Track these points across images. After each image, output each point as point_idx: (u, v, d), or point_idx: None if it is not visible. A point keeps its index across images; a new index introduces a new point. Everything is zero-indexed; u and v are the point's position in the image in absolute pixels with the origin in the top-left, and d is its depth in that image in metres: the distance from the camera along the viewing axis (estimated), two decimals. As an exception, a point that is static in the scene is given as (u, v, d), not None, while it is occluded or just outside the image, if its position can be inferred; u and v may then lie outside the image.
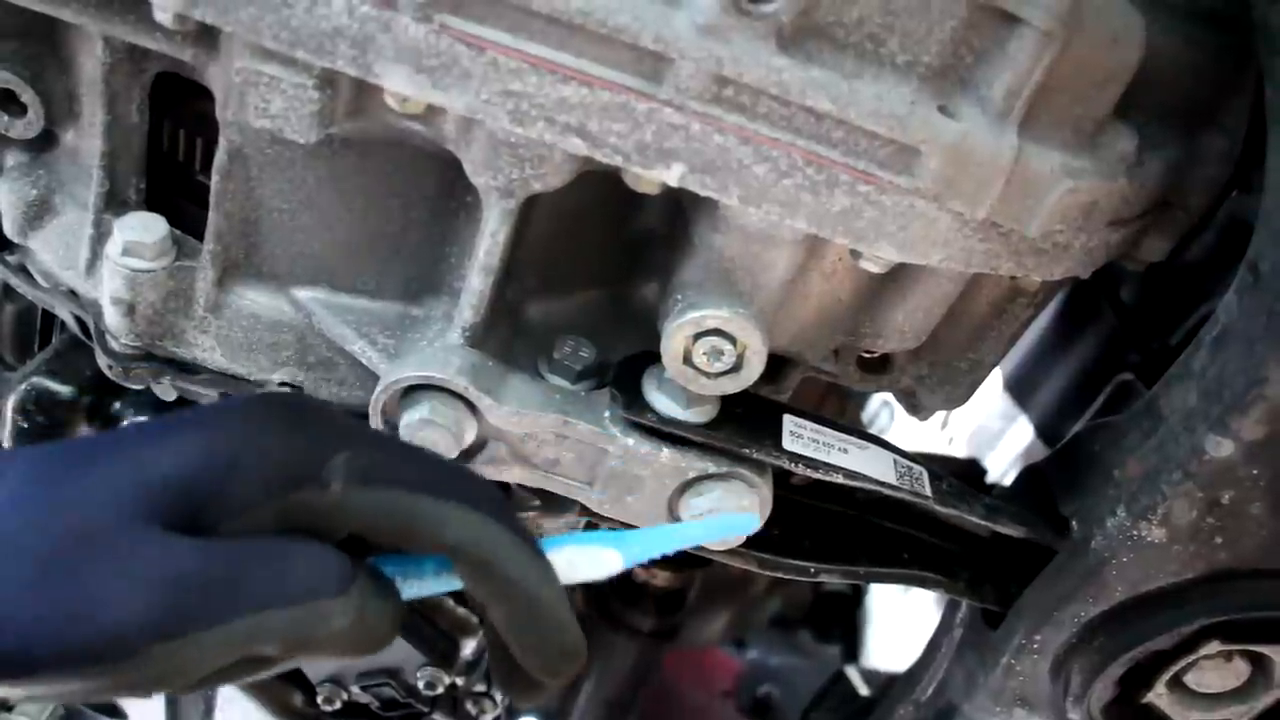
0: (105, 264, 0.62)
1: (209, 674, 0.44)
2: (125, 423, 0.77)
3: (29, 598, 0.41)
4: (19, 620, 0.41)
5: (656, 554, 0.53)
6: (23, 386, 0.77)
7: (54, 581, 0.41)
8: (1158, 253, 0.68)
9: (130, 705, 1.05)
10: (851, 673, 1.19)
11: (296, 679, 0.93)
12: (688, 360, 0.59)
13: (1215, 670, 0.69)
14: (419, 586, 0.49)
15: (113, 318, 0.64)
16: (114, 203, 0.64)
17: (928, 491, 0.66)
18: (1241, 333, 0.58)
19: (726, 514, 0.60)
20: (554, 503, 0.68)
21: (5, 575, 0.41)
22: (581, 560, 0.51)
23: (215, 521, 0.44)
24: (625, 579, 1.30)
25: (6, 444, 0.78)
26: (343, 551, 0.46)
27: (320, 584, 0.44)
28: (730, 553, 0.68)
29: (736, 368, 0.59)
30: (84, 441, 0.48)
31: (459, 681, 0.92)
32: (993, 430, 1.15)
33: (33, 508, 0.43)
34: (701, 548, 0.66)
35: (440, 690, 0.90)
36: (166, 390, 0.69)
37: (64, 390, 0.77)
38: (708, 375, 0.59)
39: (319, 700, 0.93)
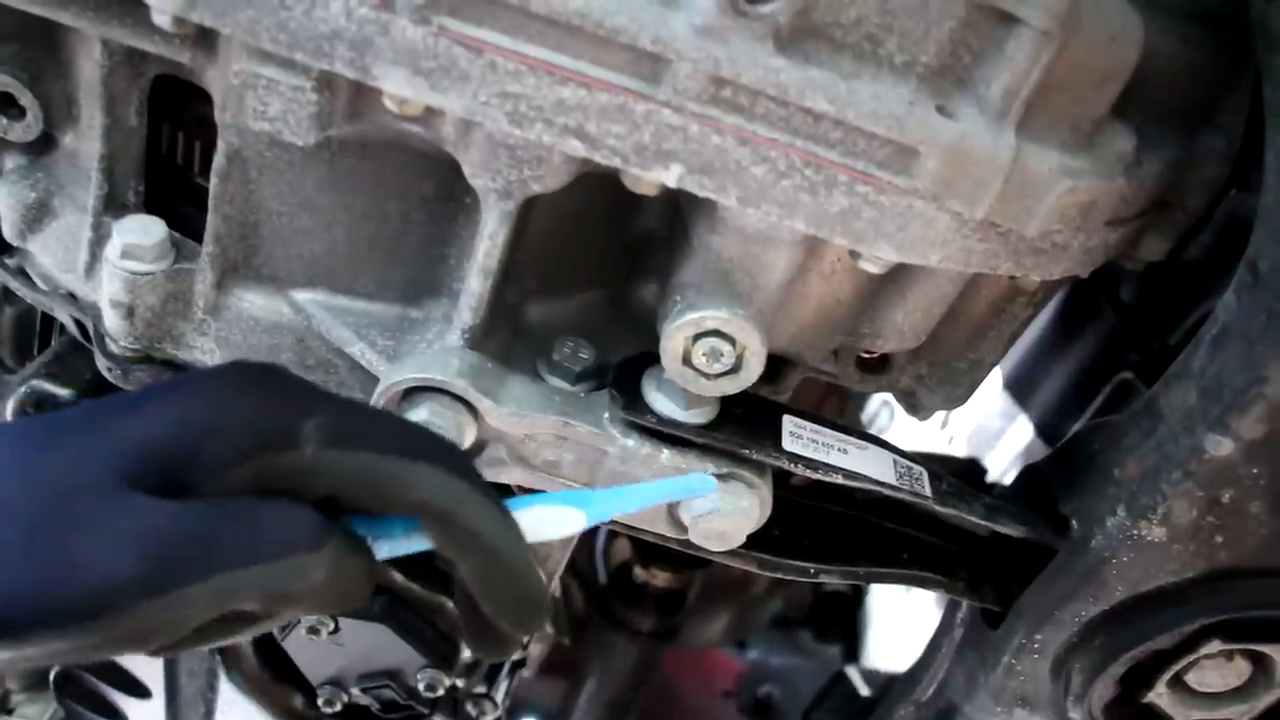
0: (104, 267, 0.62)
1: (192, 631, 0.45)
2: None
3: (13, 562, 0.42)
4: (4, 584, 0.41)
5: (619, 512, 0.55)
6: (22, 389, 0.77)
7: (37, 545, 0.42)
8: (1157, 252, 0.67)
9: (130, 706, 1.05)
10: (852, 673, 1.20)
11: (297, 681, 0.93)
12: (687, 361, 0.59)
13: (1216, 669, 0.69)
14: (390, 547, 0.51)
15: (112, 320, 0.64)
16: (113, 205, 0.64)
17: (927, 491, 0.66)
18: (1241, 332, 0.58)
19: (690, 475, 0.60)
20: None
21: None
22: (548, 518, 0.52)
23: (192, 484, 0.45)
24: (625, 580, 1.31)
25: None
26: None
27: (296, 540, 0.45)
28: (730, 553, 0.68)
29: (736, 368, 0.59)
30: (61, 414, 0.49)
31: (459, 683, 0.92)
32: (993, 429, 1.15)
33: (12, 476, 0.44)
34: (700, 548, 0.66)
35: (440, 692, 0.90)
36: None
37: (64, 393, 0.77)
38: (707, 376, 0.59)
39: (319, 702, 0.93)
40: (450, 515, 0.49)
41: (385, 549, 0.51)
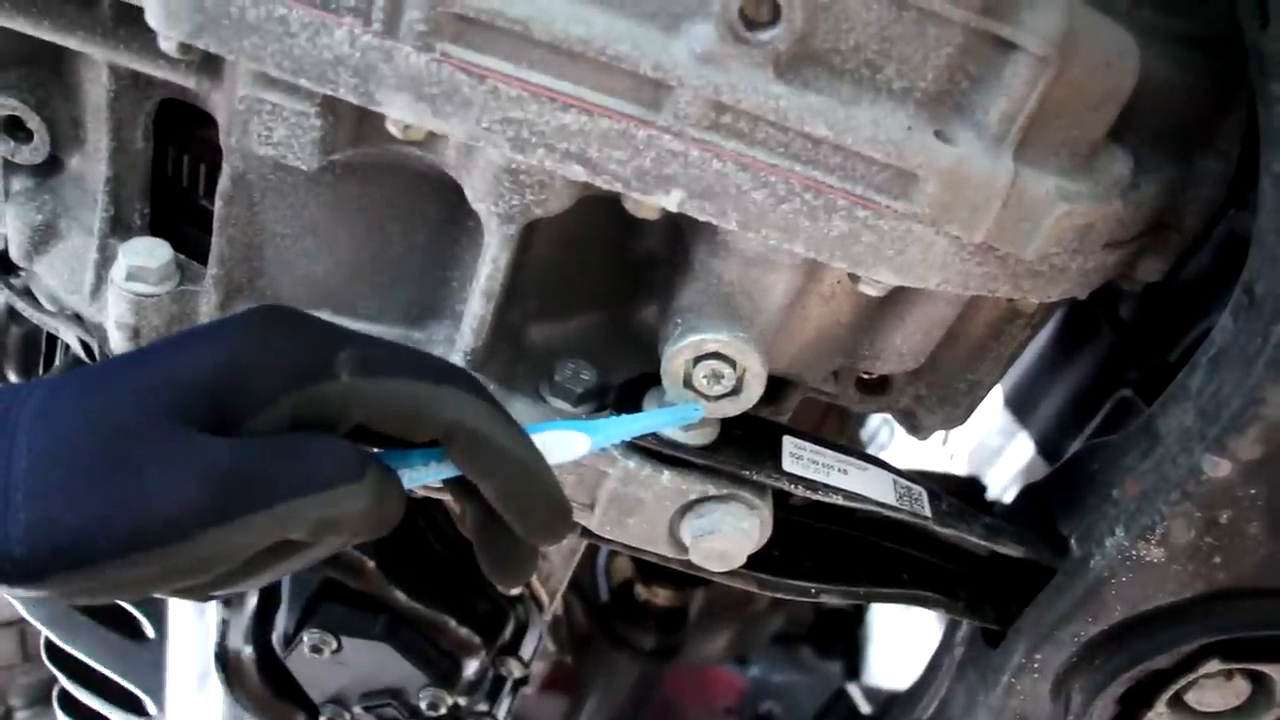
0: (110, 288, 0.62)
1: (250, 559, 0.48)
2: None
3: (82, 496, 0.44)
4: (74, 517, 0.44)
5: (619, 439, 0.58)
6: (27, 409, 0.77)
7: (103, 480, 0.45)
8: (1155, 273, 0.68)
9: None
10: (853, 690, 1.20)
11: (300, 699, 0.93)
12: (688, 383, 0.59)
13: (1216, 689, 0.69)
14: (412, 476, 0.53)
15: (117, 341, 0.64)
16: (118, 227, 0.65)
17: (927, 512, 0.66)
18: (1237, 354, 0.58)
19: (681, 405, 0.61)
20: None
21: (51, 481, 0.44)
22: (554, 443, 0.55)
23: (240, 418, 0.48)
24: (627, 598, 1.31)
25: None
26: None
27: (342, 472, 0.48)
28: (731, 574, 0.68)
29: (736, 390, 0.59)
30: (108, 360, 0.52)
31: (461, 702, 0.92)
32: (993, 447, 1.15)
33: (69, 417, 0.46)
34: (701, 569, 0.66)
35: (443, 710, 0.91)
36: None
37: (68, 412, 0.78)
38: (708, 398, 0.59)
39: (322, 720, 0.93)
40: (476, 434, 0.52)
41: (409, 478, 0.53)
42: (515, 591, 0.91)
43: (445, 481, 0.55)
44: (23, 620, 1.54)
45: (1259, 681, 0.69)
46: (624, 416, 0.59)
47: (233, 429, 0.48)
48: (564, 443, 0.56)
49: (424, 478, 0.54)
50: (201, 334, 0.51)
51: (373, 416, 0.51)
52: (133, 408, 0.47)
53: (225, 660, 0.92)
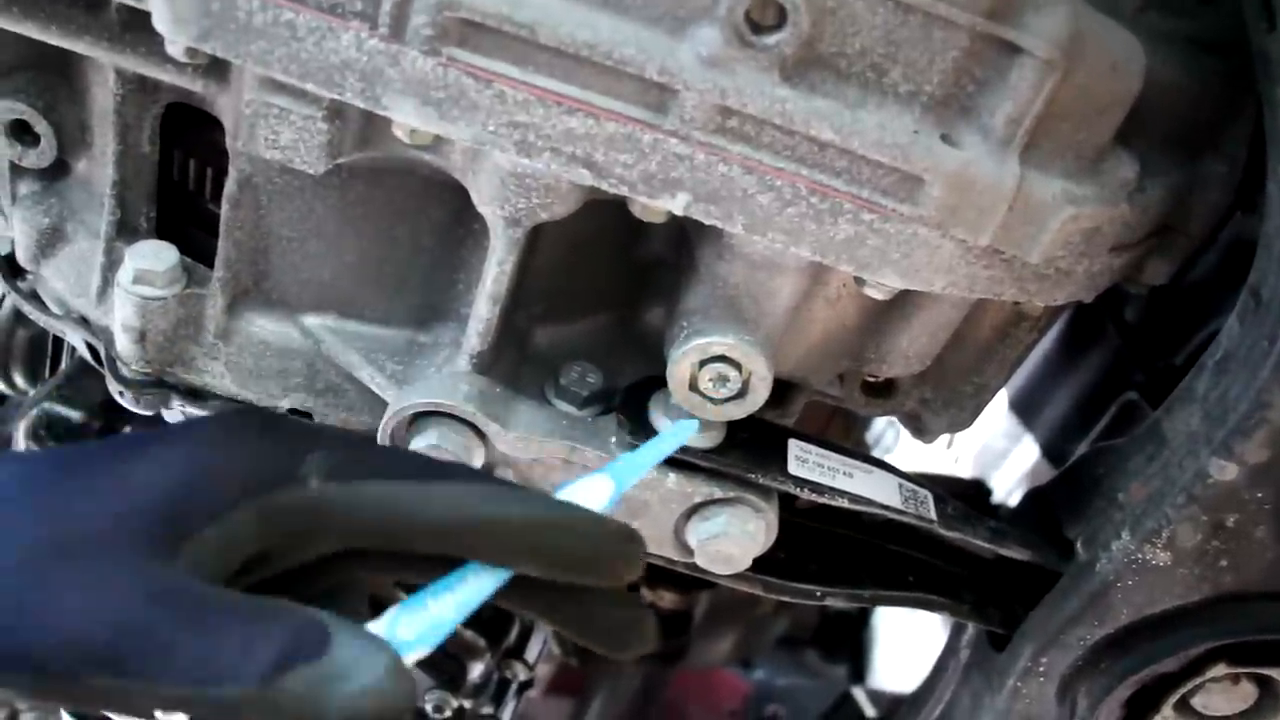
0: (116, 291, 0.62)
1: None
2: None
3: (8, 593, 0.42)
4: None
5: (638, 477, 0.52)
6: (34, 411, 0.78)
7: (17, 588, 0.42)
8: (1161, 276, 0.68)
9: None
10: (858, 694, 1.20)
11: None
12: (694, 386, 0.59)
13: (1222, 693, 0.69)
14: (438, 611, 0.45)
15: (124, 344, 0.64)
16: (125, 231, 0.65)
17: (933, 515, 0.66)
18: (1244, 357, 0.58)
19: (680, 420, 0.59)
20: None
21: None
22: (578, 496, 0.50)
23: (190, 530, 0.43)
24: (632, 600, 1.30)
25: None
26: (317, 612, 0.42)
27: (248, 665, 0.40)
28: (736, 577, 0.68)
29: (742, 394, 0.59)
30: (71, 450, 0.48)
31: (466, 704, 0.93)
32: (998, 450, 1.15)
33: (16, 509, 0.44)
34: (707, 572, 0.66)
35: (448, 713, 0.91)
36: (176, 416, 0.70)
37: (75, 415, 0.78)
38: (713, 401, 0.59)
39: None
40: (487, 522, 0.45)
41: (448, 609, 0.45)
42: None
43: (499, 598, 0.46)
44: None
45: (1265, 685, 0.69)
46: (633, 454, 0.54)
47: (188, 539, 0.43)
48: (587, 492, 0.50)
49: (450, 616, 0.44)
50: (166, 437, 0.47)
51: (353, 529, 0.45)
52: (78, 517, 0.43)
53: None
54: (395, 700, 0.40)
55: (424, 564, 0.46)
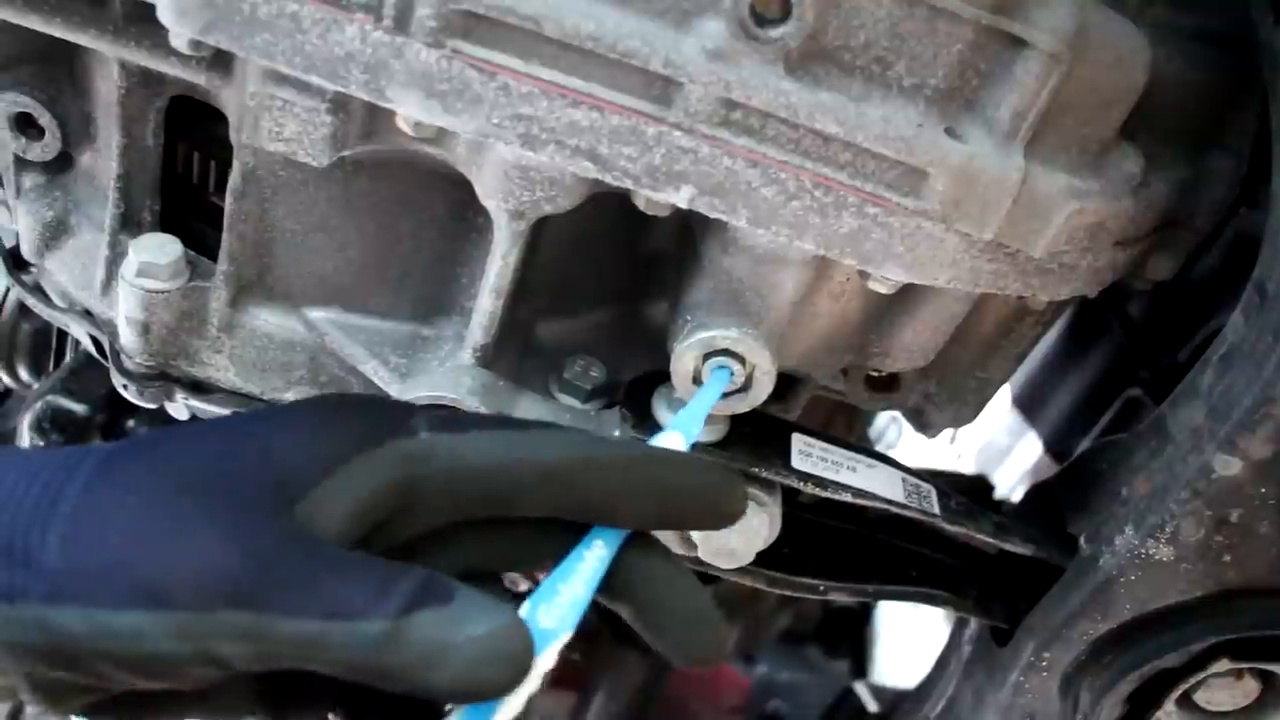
0: (120, 284, 0.62)
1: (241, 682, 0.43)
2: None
3: (119, 539, 0.41)
4: (106, 553, 0.41)
5: (700, 427, 0.54)
6: (38, 404, 0.78)
7: (157, 516, 0.41)
8: (1165, 271, 0.68)
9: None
10: (860, 689, 1.20)
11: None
12: (697, 380, 0.59)
13: (1225, 688, 0.69)
14: (580, 583, 0.45)
15: (128, 337, 0.64)
16: (129, 224, 0.65)
17: (936, 509, 0.66)
18: (1249, 352, 0.58)
19: (715, 370, 0.59)
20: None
21: (93, 520, 0.41)
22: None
23: (311, 482, 0.43)
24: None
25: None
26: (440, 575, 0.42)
27: (373, 608, 0.40)
28: (739, 571, 0.68)
29: (745, 387, 0.59)
30: (180, 426, 0.49)
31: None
32: (1001, 446, 1.15)
33: (141, 462, 0.44)
34: (710, 566, 0.66)
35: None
36: (180, 409, 0.70)
37: (79, 408, 0.78)
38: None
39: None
40: (597, 460, 0.45)
41: (576, 593, 0.44)
42: (524, 588, 0.90)
43: (601, 593, 0.46)
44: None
45: (1268, 681, 0.69)
46: (686, 409, 0.55)
47: (301, 502, 0.43)
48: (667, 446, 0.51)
49: (583, 594, 0.44)
50: (270, 411, 0.48)
51: (467, 479, 0.45)
52: (202, 469, 0.43)
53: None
54: (517, 648, 0.40)
55: (537, 539, 0.47)
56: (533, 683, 0.41)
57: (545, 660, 0.42)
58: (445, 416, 0.47)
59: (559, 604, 0.44)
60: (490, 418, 0.50)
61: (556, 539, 0.46)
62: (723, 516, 0.48)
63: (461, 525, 0.47)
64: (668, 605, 0.46)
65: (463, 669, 0.39)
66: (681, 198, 0.53)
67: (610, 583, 0.46)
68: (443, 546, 0.47)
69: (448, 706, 0.42)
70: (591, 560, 0.46)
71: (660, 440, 0.52)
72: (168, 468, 0.43)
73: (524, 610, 0.43)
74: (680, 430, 0.52)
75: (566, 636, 0.43)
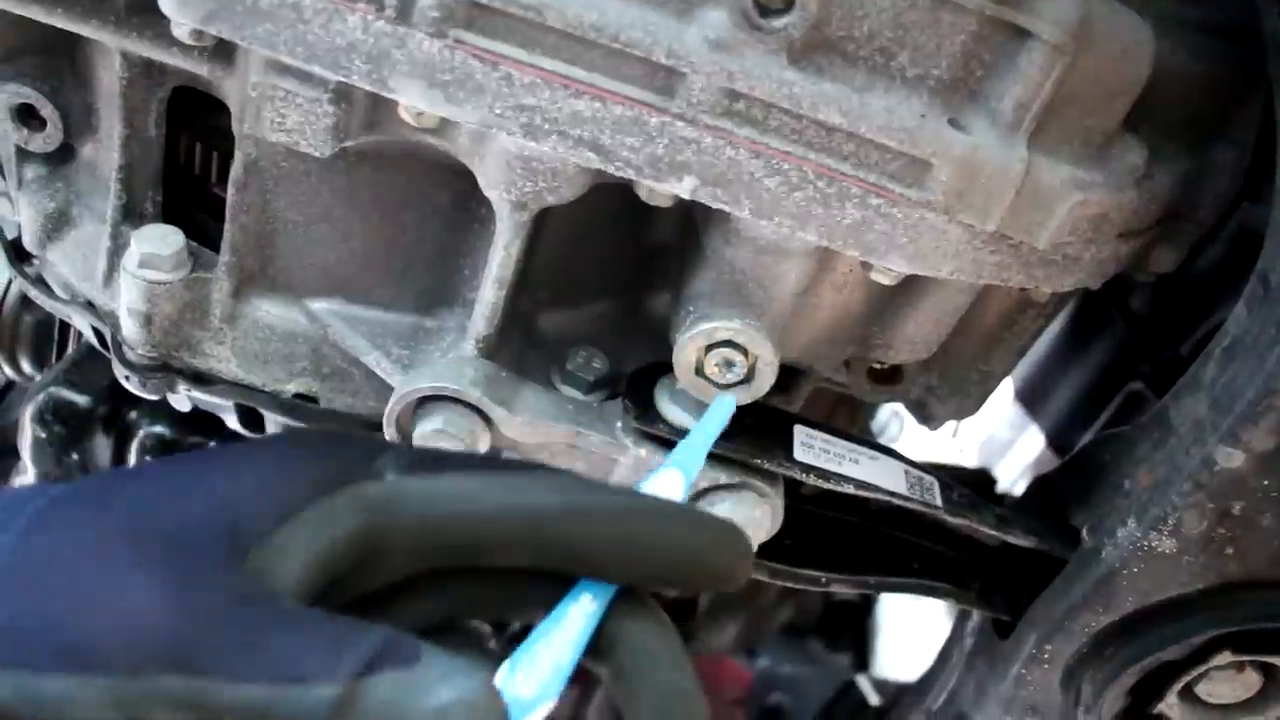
0: (122, 276, 0.62)
1: None
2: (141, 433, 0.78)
3: (46, 594, 0.38)
4: (33, 608, 0.38)
5: (700, 463, 0.50)
6: (40, 396, 0.78)
7: (94, 570, 0.38)
8: (1168, 263, 0.68)
9: None
10: (862, 681, 1.19)
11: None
12: (700, 371, 0.59)
13: (1227, 681, 0.69)
14: (564, 644, 0.40)
15: (130, 329, 0.64)
16: (131, 215, 0.65)
17: (938, 502, 0.66)
18: (1251, 344, 0.58)
19: (718, 398, 0.56)
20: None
21: (28, 572, 0.39)
22: (659, 491, 0.47)
23: (264, 531, 0.40)
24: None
25: (24, 453, 0.79)
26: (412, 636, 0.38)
27: (327, 670, 0.36)
28: (741, 563, 0.68)
29: (748, 379, 0.59)
30: (143, 464, 0.46)
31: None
32: (1003, 439, 1.15)
33: (88, 509, 0.41)
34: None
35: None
36: (182, 400, 0.70)
37: (81, 400, 0.78)
38: (720, 386, 0.59)
39: None
40: (579, 510, 0.41)
41: (560, 656, 0.40)
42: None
43: (587, 657, 0.42)
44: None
45: (1270, 674, 0.69)
46: (686, 441, 0.51)
47: (253, 551, 0.39)
48: (658, 487, 0.47)
49: (567, 658, 0.40)
50: (231, 450, 0.45)
51: (435, 527, 0.41)
52: (151, 516, 0.40)
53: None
54: (486, 716, 0.37)
55: (518, 588, 0.43)
56: None
57: None
58: (416, 456, 0.43)
59: (540, 668, 0.39)
60: (469, 457, 0.47)
61: (539, 589, 0.43)
62: (722, 579, 0.43)
63: (434, 573, 0.43)
64: (647, 678, 0.42)
65: None
66: (684, 188, 0.53)
67: (590, 639, 0.41)
68: (412, 597, 0.44)
69: None
70: (577, 618, 0.41)
71: (659, 479, 0.47)
72: (111, 515, 0.40)
73: (500, 676, 0.38)
74: (679, 468, 0.48)
75: (548, 707, 0.38)
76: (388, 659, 0.37)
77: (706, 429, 0.52)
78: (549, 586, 0.42)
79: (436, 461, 0.43)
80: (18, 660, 0.37)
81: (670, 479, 0.47)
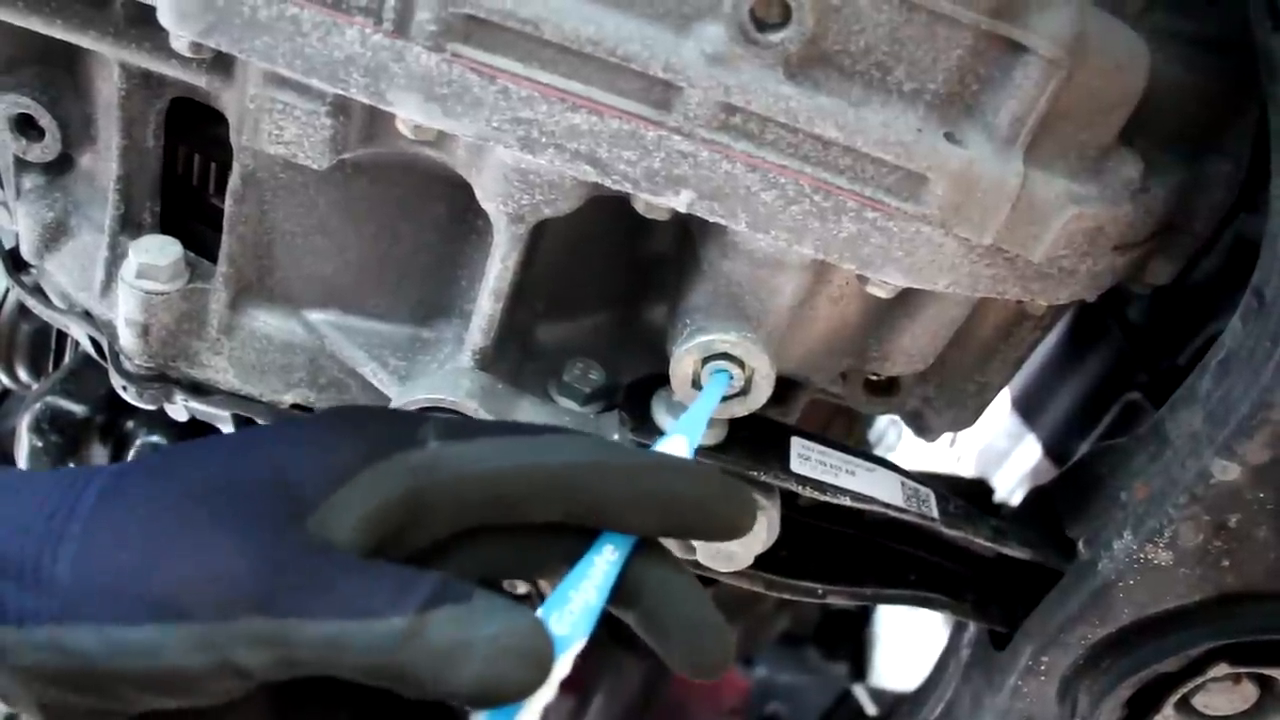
0: (120, 286, 0.62)
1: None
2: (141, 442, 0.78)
3: (129, 550, 0.41)
4: (123, 560, 0.41)
5: (702, 430, 0.54)
6: (37, 405, 0.78)
7: (172, 526, 0.42)
8: (1164, 276, 0.68)
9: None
10: (859, 691, 1.20)
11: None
12: (696, 384, 0.59)
13: (1223, 693, 0.69)
14: (592, 589, 0.45)
15: (127, 339, 0.64)
16: (129, 225, 0.65)
17: (935, 513, 0.66)
18: (1247, 357, 0.58)
19: (715, 374, 0.59)
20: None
21: (106, 533, 0.42)
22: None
23: (321, 496, 0.43)
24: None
25: (21, 463, 0.79)
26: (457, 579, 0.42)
27: (394, 606, 0.40)
28: (738, 574, 0.68)
29: (744, 391, 0.59)
30: (181, 446, 0.49)
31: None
32: (1000, 449, 1.15)
33: (136, 489, 0.44)
34: (708, 569, 0.66)
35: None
36: (179, 411, 0.70)
37: (78, 409, 0.78)
38: (716, 398, 0.59)
39: None
40: (604, 466, 0.46)
41: (588, 599, 0.44)
42: (522, 590, 0.90)
43: (612, 601, 0.46)
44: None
45: (1266, 686, 0.69)
46: (688, 413, 0.55)
47: (310, 515, 0.43)
48: (672, 451, 0.51)
49: (595, 600, 0.44)
50: (279, 427, 0.49)
51: (471, 492, 0.45)
52: (220, 479, 0.44)
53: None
54: (538, 646, 0.40)
55: (546, 545, 0.47)
56: (549, 690, 0.41)
57: (561, 667, 0.41)
58: (454, 424, 0.47)
59: (571, 610, 0.44)
60: (500, 424, 0.51)
61: (565, 545, 0.47)
62: (732, 528, 0.48)
63: (469, 533, 0.47)
64: (675, 613, 0.46)
65: (484, 667, 0.40)
66: (681, 202, 0.53)
67: (617, 589, 0.46)
68: (451, 555, 0.47)
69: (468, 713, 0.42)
70: (602, 566, 0.46)
71: (664, 445, 0.52)
72: (177, 483, 0.44)
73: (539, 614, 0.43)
74: (684, 434, 0.52)
75: (581, 643, 0.43)
76: (447, 597, 0.41)
77: (706, 401, 0.56)
78: (574, 541, 0.46)
79: (473, 429, 0.47)
80: (104, 615, 0.40)
81: (676, 444, 0.51)
